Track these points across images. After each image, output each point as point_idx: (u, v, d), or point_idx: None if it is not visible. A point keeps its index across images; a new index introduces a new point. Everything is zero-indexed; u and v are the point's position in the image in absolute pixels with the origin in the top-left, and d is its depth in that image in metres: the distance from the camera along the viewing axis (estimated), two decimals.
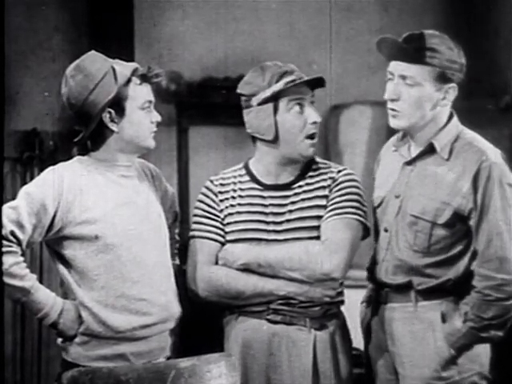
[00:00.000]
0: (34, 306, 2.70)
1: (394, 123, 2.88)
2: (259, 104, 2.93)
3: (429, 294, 2.85)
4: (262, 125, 2.92)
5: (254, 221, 2.93)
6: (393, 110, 2.86)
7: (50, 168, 2.80)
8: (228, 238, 2.94)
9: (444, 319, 2.84)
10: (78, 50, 4.75)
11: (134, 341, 2.75)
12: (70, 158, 2.88)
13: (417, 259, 2.86)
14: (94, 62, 2.78)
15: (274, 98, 2.91)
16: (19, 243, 2.68)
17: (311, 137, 2.93)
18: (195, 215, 3.00)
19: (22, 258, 2.69)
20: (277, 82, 2.90)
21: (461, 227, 2.83)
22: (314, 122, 2.92)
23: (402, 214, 2.88)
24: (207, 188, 3.01)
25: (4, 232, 2.67)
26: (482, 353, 2.85)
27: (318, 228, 2.90)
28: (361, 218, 2.91)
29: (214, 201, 2.98)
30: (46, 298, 2.71)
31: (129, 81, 2.76)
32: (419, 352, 2.85)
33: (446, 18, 5.08)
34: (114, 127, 2.76)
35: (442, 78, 2.82)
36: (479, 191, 2.78)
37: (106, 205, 2.74)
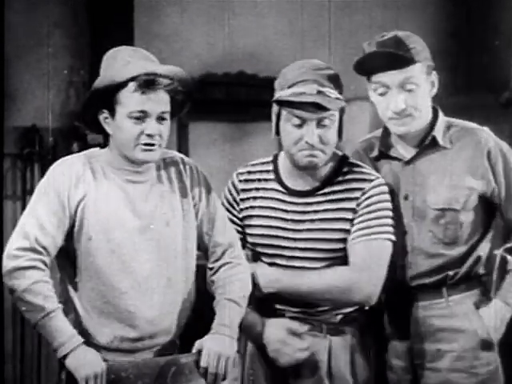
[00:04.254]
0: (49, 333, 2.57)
1: (405, 129, 2.85)
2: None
3: (458, 286, 2.85)
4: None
5: (274, 227, 2.83)
6: (406, 115, 2.83)
7: (58, 163, 2.72)
8: (247, 239, 2.88)
9: (478, 308, 2.86)
10: (78, 46, 4.76)
11: (118, 352, 2.65)
12: (69, 154, 2.85)
13: (449, 250, 2.85)
14: (122, 51, 2.68)
15: (280, 104, 2.79)
16: (47, 252, 2.61)
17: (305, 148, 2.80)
18: None
19: (48, 279, 2.59)
20: (288, 88, 2.77)
21: (486, 207, 2.87)
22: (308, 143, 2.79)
23: (419, 212, 2.86)
24: (232, 183, 2.92)
25: (29, 243, 2.59)
26: None
27: (340, 241, 2.78)
28: (391, 236, 2.78)
29: (235, 200, 2.90)
30: (65, 328, 2.57)
31: (124, 85, 2.62)
32: (460, 345, 2.85)
33: (447, 14, 5.07)
34: (108, 128, 2.67)
35: (429, 71, 2.85)
36: (497, 167, 2.83)
37: (106, 209, 2.65)
